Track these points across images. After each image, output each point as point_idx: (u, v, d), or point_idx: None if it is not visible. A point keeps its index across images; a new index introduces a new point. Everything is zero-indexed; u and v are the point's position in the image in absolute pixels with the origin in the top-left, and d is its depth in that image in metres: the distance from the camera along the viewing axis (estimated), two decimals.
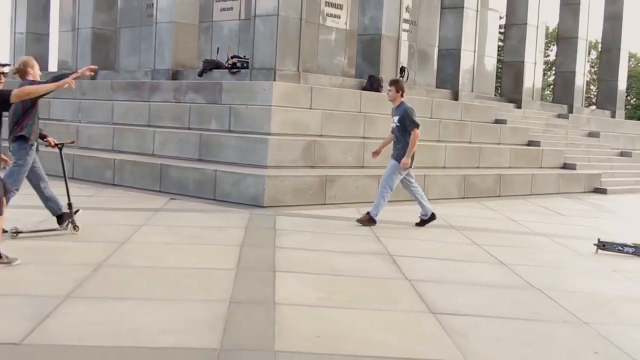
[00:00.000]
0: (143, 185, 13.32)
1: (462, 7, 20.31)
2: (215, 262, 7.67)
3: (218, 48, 18.84)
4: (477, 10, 20.76)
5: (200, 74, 16.88)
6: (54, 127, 17.09)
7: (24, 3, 23.11)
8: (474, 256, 8.89)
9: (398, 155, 10.73)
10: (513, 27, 24.55)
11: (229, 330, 5.32)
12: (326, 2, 20.92)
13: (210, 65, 17.15)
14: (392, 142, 11.01)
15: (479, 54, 22.47)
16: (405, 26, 22.57)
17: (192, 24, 18.15)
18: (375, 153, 11.28)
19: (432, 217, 10.96)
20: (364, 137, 14.86)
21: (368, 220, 10.57)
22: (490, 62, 26.83)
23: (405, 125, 10.71)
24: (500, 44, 31.70)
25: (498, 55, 28.05)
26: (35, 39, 23.28)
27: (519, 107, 23.43)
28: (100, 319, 5.46)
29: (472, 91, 20.62)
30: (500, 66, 29.85)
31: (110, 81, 18.38)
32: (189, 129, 14.74)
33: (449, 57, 20.64)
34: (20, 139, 8.61)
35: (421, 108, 17.09)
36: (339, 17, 21.26)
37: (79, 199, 12.00)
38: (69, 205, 9.10)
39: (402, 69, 18.93)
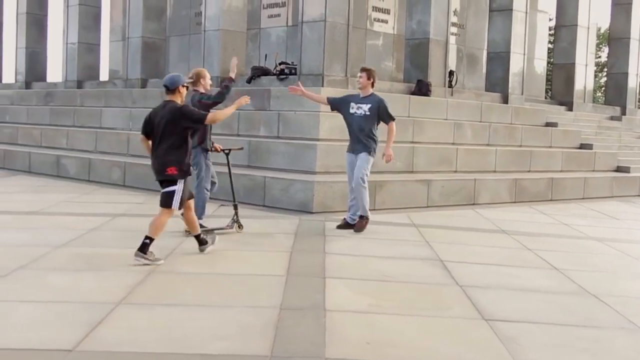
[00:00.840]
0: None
1: (511, 9, 20.11)
2: (265, 268, 7.67)
3: (266, 55, 18.91)
4: (526, 12, 20.53)
5: (249, 81, 16.94)
6: (105, 135, 17.36)
7: (76, 14, 23.46)
8: (526, 261, 8.77)
9: (365, 147, 10.08)
10: (563, 29, 24.22)
11: (280, 336, 5.30)
12: (373, 7, 20.88)
13: (259, 72, 17.21)
14: (352, 132, 10.22)
15: (528, 56, 22.21)
16: (454, 30, 22.41)
17: (240, 31, 18.24)
18: (293, 89, 10.53)
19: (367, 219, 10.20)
20: (412, 142, 14.78)
21: (366, 223, 10.15)
22: (540, 65, 26.51)
23: (379, 116, 10.19)
24: (550, 46, 31.31)
25: (548, 57, 27.70)
26: (86, 49, 23.61)
27: (570, 109, 23.10)
28: (151, 325, 5.48)
29: (522, 94, 20.39)
30: (550, 68, 29.50)
31: (159, 89, 18.51)
32: (238, 135, 14.80)
33: (498, 60, 20.45)
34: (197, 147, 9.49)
35: (470, 112, 16.98)
36: (386, 21, 21.20)
37: (130, 206, 12.18)
38: (235, 206, 9.98)
39: (451, 73, 18.80)
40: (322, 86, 14.95)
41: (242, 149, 11.40)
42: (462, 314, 6.19)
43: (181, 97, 8.11)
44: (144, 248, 7.65)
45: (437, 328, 5.74)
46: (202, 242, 8.33)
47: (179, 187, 7.91)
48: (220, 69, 17.77)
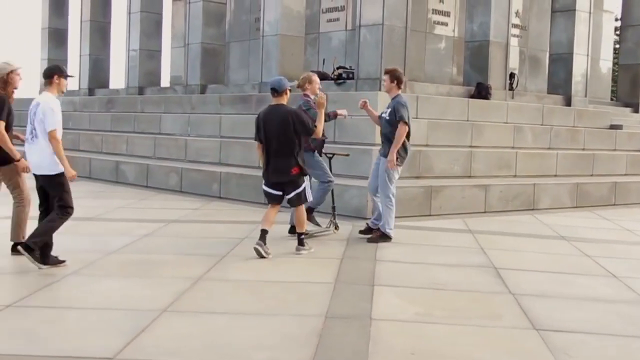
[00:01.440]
0: (249, 198, 13.42)
1: (574, 9, 19.69)
2: (314, 275, 7.62)
3: (324, 59, 18.88)
4: (590, 13, 20.08)
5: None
6: (164, 140, 17.54)
7: (137, 21, 23.79)
8: (584, 268, 8.53)
9: (387, 152, 9.65)
10: (629, 29, 23.60)
11: (323, 345, 5.22)
12: (433, 10, 20.68)
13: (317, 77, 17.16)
14: (381, 136, 9.98)
15: (592, 57, 21.71)
16: (515, 31, 22.05)
17: (298, 36, 18.26)
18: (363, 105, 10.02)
19: (386, 237, 9.70)
20: (471, 146, 14.56)
21: (380, 237, 9.61)
22: (606, 66, 25.89)
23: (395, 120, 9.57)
24: (617, 46, 30.60)
25: (614, 58, 27.06)
26: (148, 56, 23.93)
27: (637, 111, 22.49)
28: (195, 333, 5.46)
29: (585, 96, 19.95)
30: (616, 69, 28.81)
31: (218, 95, 18.69)
32: None
33: (561, 61, 20.04)
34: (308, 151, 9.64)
35: (531, 115, 16.68)
36: (446, 24, 20.98)
37: (185, 212, 12.25)
38: (333, 208, 10.32)
39: (512, 75, 18.50)
40: (379, 90, 14.82)
41: (348, 155, 11.30)
42: (513, 323, 6.03)
43: (286, 100, 8.69)
44: (301, 242, 8.78)
45: (486, 338, 5.59)
46: (301, 243, 8.85)
47: (306, 184, 8.81)
48: (278, 74, 17.80)
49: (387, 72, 9.76)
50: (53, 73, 7.74)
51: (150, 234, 9.81)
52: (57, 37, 28.35)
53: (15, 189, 8.24)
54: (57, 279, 7.08)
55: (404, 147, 9.62)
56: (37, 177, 7.76)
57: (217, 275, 7.46)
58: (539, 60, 22.90)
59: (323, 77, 17.11)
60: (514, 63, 21.62)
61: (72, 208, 7.75)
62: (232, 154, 15.48)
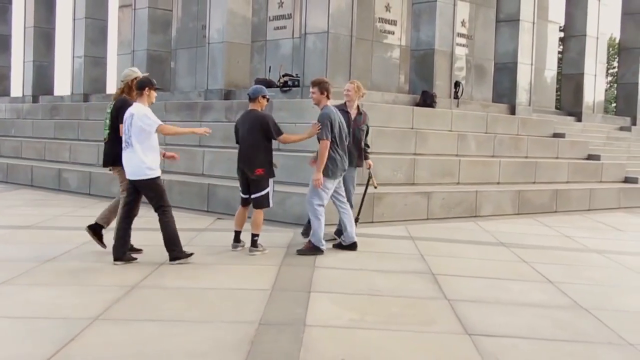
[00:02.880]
0: (191, 205, 13.37)
1: (518, 19, 19.98)
2: (251, 282, 7.61)
3: (270, 67, 18.90)
4: (534, 23, 20.38)
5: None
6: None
7: (82, 28, 23.52)
8: (521, 274, 8.65)
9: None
10: (572, 39, 24.09)
11: (254, 352, 5.22)
12: (380, 19, 20.84)
13: (262, 84, 17.14)
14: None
15: (538, 66, 22.09)
16: (461, 40, 22.33)
17: (244, 43, 18.25)
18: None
19: (353, 246, 9.62)
20: (415, 154, 14.67)
21: (310, 249, 9.21)
22: (550, 75, 26.34)
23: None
24: (561, 56, 31.13)
25: (558, 67, 27.55)
26: (93, 62, 23.66)
27: (579, 120, 22.92)
28: (127, 341, 5.42)
29: (529, 105, 20.24)
30: (560, 79, 29.31)
31: (164, 102, 18.54)
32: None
33: (506, 70, 20.32)
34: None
35: (475, 123, 16.87)
36: (393, 33, 21.16)
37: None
38: (356, 219, 10.28)
39: (457, 84, 18.68)
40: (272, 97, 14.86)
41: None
42: (446, 329, 6.09)
43: (262, 107, 9.26)
44: (255, 244, 9.14)
45: (417, 343, 5.64)
46: (254, 244, 9.24)
47: (270, 189, 9.22)
48: (224, 81, 17.79)
49: (314, 84, 9.35)
50: (145, 85, 8.38)
51: (90, 242, 9.66)
52: (0, 43, 27.97)
53: (125, 190, 8.85)
54: None
55: (333, 160, 9.24)
56: (132, 182, 8.51)
57: (152, 283, 7.41)
58: (484, 69, 23.21)
59: (269, 84, 17.13)
60: (460, 72, 21.90)
61: (169, 206, 8.60)
62: (176, 162, 15.34)
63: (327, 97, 9.42)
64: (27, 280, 7.45)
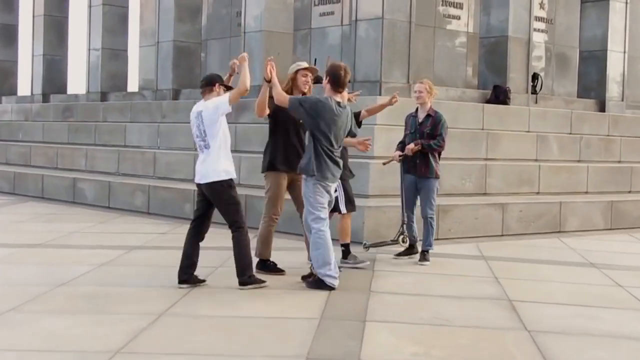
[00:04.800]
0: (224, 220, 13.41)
1: None
2: (296, 310, 7.63)
3: (315, 59, 18.89)
4: (627, 2, 20.16)
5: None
6: (129, 154, 17.57)
7: (100, 16, 23.73)
8: (615, 301, 8.54)
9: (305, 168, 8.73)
10: None
11: None
12: (443, 2, 20.75)
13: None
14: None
15: (630, 55, 21.78)
16: (539, 25, 22.06)
17: (285, 32, 18.28)
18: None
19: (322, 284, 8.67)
20: (486, 159, 14.61)
21: (316, 282, 8.60)
22: None
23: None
24: None
25: None
26: (112, 56, 23.89)
27: None
28: None
29: (622, 100, 20.01)
30: None
31: (193, 101, 18.62)
32: None
33: (593, 60, 20.13)
34: None
35: (557, 122, 16.72)
36: (458, 17, 21.01)
37: (151, 236, 12.25)
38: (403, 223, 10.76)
39: (535, 76, 18.55)
40: (380, 94, 14.87)
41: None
42: None
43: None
44: (345, 255, 9.72)
45: None
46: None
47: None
48: (262, 77, 17.80)
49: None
50: (214, 81, 8.58)
51: (108, 263, 9.79)
52: (5, 34, 28.35)
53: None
54: None
55: (332, 161, 8.66)
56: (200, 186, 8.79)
57: (182, 311, 7.45)
58: (567, 59, 22.91)
59: (316, 80, 17.14)
60: (538, 62, 21.69)
61: (244, 222, 8.70)
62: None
63: (334, 87, 8.70)
64: (37, 306, 7.53)
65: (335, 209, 9.62)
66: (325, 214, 8.72)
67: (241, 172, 14.81)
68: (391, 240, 10.93)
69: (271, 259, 9.42)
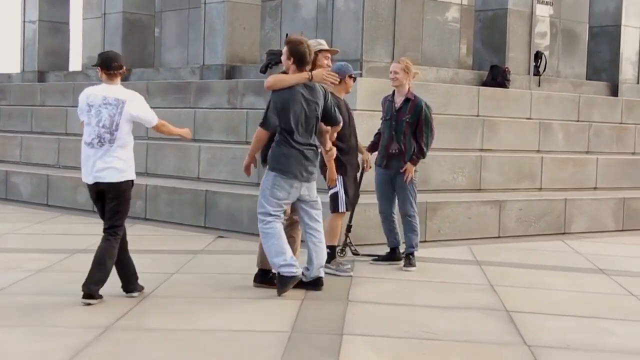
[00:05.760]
0: (183, 220, 13.45)
1: None
2: (263, 322, 7.65)
3: (287, 34, 18.90)
4: None
5: (263, 70, 16.88)
6: (71, 143, 17.48)
7: None
8: (627, 312, 8.63)
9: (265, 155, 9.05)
10: None
11: None
12: None
13: (276, 58, 17.03)
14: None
15: None
16: None
17: (252, 3, 18.28)
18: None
19: (317, 283, 9.00)
20: (481, 150, 14.70)
21: (280, 283, 8.65)
22: None
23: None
24: None
25: None
26: (51, 29, 23.77)
27: None
28: None
29: (637, 83, 20.12)
30: None
31: (146, 82, 18.63)
32: (247, 142, 14.74)
33: (605, 37, 20.20)
34: None
35: (563, 108, 16.80)
36: None
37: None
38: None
39: (538, 55, 18.63)
40: (360, 75, 14.88)
41: None
42: None
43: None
44: (329, 259, 9.47)
45: None
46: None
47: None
48: (225, 54, 17.80)
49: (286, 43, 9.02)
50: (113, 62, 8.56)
51: (47, 269, 9.78)
52: None
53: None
54: None
55: (283, 154, 8.80)
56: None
57: (132, 324, 7.46)
58: (575, 36, 23.03)
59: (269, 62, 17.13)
60: (541, 39, 21.78)
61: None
62: (163, 162, 15.49)
63: (300, 67, 8.80)
64: None
65: (334, 206, 9.91)
66: (276, 211, 8.76)
67: (201, 165, 14.85)
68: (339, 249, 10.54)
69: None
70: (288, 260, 8.59)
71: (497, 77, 16.88)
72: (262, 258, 9.01)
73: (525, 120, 15.92)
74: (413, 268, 10.26)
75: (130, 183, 8.55)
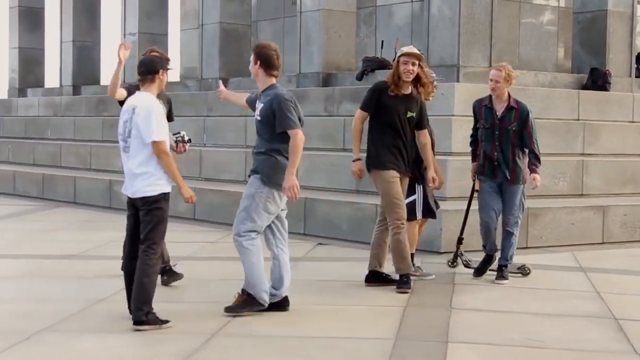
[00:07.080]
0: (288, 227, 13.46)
1: None
2: (367, 329, 7.64)
3: (382, 42, 18.87)
4: None
5: (360, 77, 16.92)
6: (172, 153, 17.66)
7: None
8: None
9: (260, 167, 8.41)
10: None
11: None
12: None
13: (373, 65, 17.15)
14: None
15: None
16: None
17: (347, 11, 18.29)
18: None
19: (283, 304, 8.34)
20: (582, 154, 14.50)
21: (243, 303, 8.12)
22: None
23: (273, 121, 8.14)
24: None
25: None
26: (150, 41, 23.98)
27: None
28: None
29: None
30: None
31: (244, 92, 18.73)
32: (344, 150, 14.78)
33: None
34: None
35: None
36: None
37: (198, 246, 12.37)
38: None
39: (639, 57, 18.34)
40: (457, 81, 14.80)
41: None
42: None
43: None
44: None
45: None
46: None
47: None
48: (321, 62, 17.85)
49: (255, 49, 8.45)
50: (157, 67, 8.14)
51: None
52: (30, 18, 28.60)
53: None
54: (25, 337, 7.15)
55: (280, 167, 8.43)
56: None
57: (237, 330, 7.51)
58: None
59: (382, 65, 17.14)
60: None
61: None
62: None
63: (267, 72, 8.26)
64: (74, 325, 7.66)
65: (411, 214, 9.66)
66: (264, 226, 8.42)
67: (299, 172, 14.84)
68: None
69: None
70: (266, 289, 8.13)
71: (597, 80, 16.63)
72: (372, 259, 9.48)
73: (627, 124, 15.68)
74: (506, 281, 9.93)
75: (150, 199, 8.19)
